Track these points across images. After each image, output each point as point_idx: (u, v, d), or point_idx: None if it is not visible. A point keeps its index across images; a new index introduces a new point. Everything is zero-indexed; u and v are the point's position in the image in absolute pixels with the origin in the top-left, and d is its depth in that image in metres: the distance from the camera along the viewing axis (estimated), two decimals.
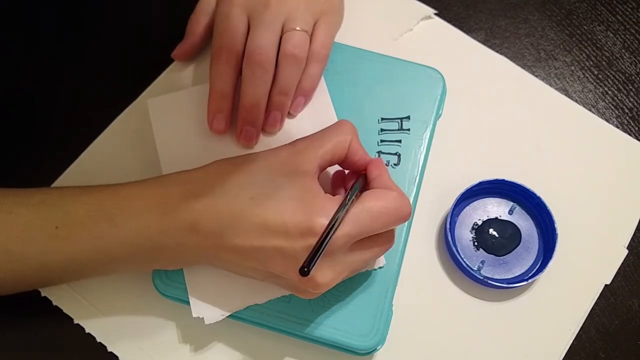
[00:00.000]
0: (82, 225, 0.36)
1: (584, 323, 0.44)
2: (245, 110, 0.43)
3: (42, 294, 0.43)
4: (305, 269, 0.31)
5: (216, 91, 0.44)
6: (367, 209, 0.35)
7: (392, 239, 0.39)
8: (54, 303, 0.43)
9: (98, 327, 0.42)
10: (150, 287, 0.41)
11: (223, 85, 0.43)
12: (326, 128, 0.39)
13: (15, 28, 0.51)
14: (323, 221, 0.34)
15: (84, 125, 0.48)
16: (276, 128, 0.45)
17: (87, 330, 0.42)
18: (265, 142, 0.45)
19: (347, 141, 0.38)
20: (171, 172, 0.39)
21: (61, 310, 0.42)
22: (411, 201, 0.43)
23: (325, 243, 0.33)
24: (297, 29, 0.42)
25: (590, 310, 0.45)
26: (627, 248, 0.46)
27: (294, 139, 0.39)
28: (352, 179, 0.40)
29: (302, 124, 0.46)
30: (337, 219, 0.34)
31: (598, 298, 0.45)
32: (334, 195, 0.38)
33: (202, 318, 0.39)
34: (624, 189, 0.48)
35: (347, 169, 0.41)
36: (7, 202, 0.37)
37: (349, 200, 0.35)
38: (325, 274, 0.35)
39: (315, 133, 0.39)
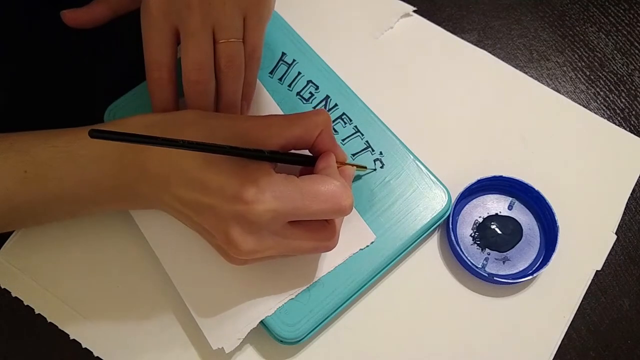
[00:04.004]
0: (49, 168, 0.38)
1: (574, 322, 0.45)
2: None
3: (25, 303, 0.43)
4: (94, 133, 0.29)
5: (158, 109, 0.43)
6: (299, 188, 0.36)
7: (332, 235, 0.39)
8: (60, 327, 0.43)
9: (82, 333, 0.43)
10: (135, 287, 0.42)
11: (163, 103, 0.42)
12: (301, 113, 0.40)
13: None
14: (255, 192, 0.35)
15: None
16: None
17: (71, 337, 0.43)
18: None
19: (317, 130, 0.39)
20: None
21: (68, 335, 0.43)
22: None
23: (130, 138, 0.31)
24: (231, 40, 0.41)
25: (581, 309, 0.45)
26: (616, 233, 0.47)
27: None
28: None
29: None
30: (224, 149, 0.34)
31: (589, 297, 0.46)
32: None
33: (222, 348, 0.40)
34: (611, 176, 0.49)
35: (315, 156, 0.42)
36: None
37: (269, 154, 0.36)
38: (248, 241, 0.36)
39: (289, 114, 0.40)
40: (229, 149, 0.35)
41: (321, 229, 0.38)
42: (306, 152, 0.41)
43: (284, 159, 0.39)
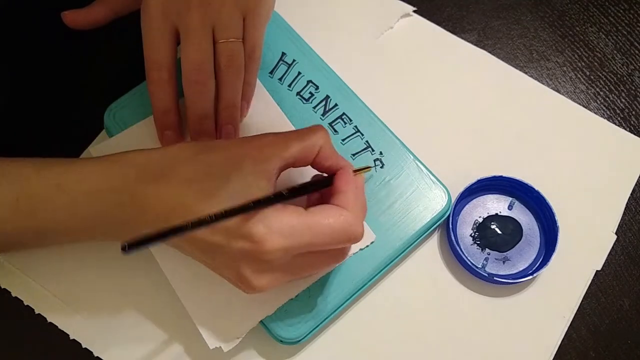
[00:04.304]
0: (42, 199, 0.37)
1: (574, 322, 0.45)
2: (194, 123, 0.43)
3: (25, 303, 0.43)
4: (126, 247, 0.30)
5: (158, 109, 0.43)
6: (310, 226, 0.34)
7: (341, 256, 0.38)
8: (60, 327, 0.43)
9: (82, 333, 0.43)
10: (134, 286, 0.42)
11: (163, 103, 0.42)
12: (298, 130, 0.39)
13: None
14: (263, 231, 0.33)
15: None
16: None
17: (84, 346, 0.42)
18: None
19: (316, 147, 0.38)
20: None
21: (68, 335, 0.43)
22: None
23: (163, 237, 0.32)
24: (231, 39, 0.40)
25: (581, 310, 0.45)
26: (616, 233, 0.47)
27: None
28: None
29: (251, 125, 0.46)
30: (226, 215, 0.33)
31: (589, 297, 0.46)
32: (308, 198, 0.39)
33: (220, 347, 0.40)
34: (611, 176, 0.49)
35: (319, 172, 0.40)
36: None
37: (265, 201, 0.34)
38: (260, 279, 0.35)
39: (285, 132, 0.38)
40: (252, 205, 0.33)
41: (331, 251, 0.37)
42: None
43: (303, 192, 0.37)
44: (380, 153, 0.46)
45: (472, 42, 0.54)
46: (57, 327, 0.43)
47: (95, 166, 0.38)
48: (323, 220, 0.35)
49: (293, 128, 0.46)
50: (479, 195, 0.48)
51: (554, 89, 0.52)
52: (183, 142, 0.39)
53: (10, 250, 0.43)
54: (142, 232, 0.31)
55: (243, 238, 0.34)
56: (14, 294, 0.43)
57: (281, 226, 0.34)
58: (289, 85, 0.48)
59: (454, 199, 0.46)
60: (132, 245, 0.30)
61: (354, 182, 0.38)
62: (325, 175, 0.40)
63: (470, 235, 0.47)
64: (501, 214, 0.47)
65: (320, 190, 0.39)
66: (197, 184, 0.35)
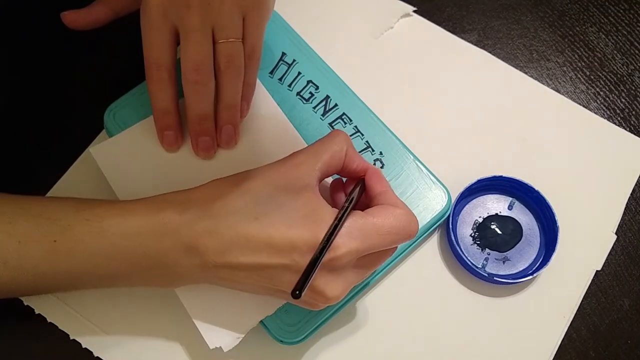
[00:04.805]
0: (80, 242, 0.36)
1: (574, 322, 0.45)
2: (194, 123, 0.43)
3: (36, 312, 0.43)
4: (297, 292, 0.32)
5: (158, 110, 0.43)
6: (377, 227, 0.35)
7: (394, 251, 0.39)
8: (60, 327, 0.43)
9: (82, 333, 0.43)
10: (146, 299, 0.42)
11: (162, 103, 0.42)
12: (321, 139, 0.39)
13: None
14: (334, 240, 0.34)
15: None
16: (232, 142, 0.44)
17: (83, 346, 0.42)
18: (225, 152, 0.45)
19: (343, 151, 0.38)
20: None
21: (56, 326, 0.43)
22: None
23: (316, 266, 0.33)
24: (231, 40, 0.40)
25: (581, 310, 0.45)
26: (616, 233, 0.47)
27: (290, 152, 0.38)
28: (351, 185, 0.40)
29: (251, 126, 0.46)
30: (331, 238, 0.34)
31: (589, 297, 0.46)
32: (333, 203, 0.39)
33: (220, 347, 0.40)
34: (611, 176, 0.49)
35: (345, 177, 0.41)
36: (7, 211, 0.37)
37: (344, 214, 0.35)
38: (335, 288, 0.35)
39: (310, 145, 0.39)
40: (337, 224, 0.34)
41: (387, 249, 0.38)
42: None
43: (350, 205, 0.36)
44: (380, 153, 0.46)
45: (472, 42, 0.54)
46: (57, 327, 0.43)
47: (134, 207, 0.37)
48: (386, 220, 0.36)
49: (293, 128, 0.46)
50: (479, 195, 0.48)
51: (554, 89, 0.52)
52: (218, 179, 0.38)
53: (47, 292, 0.42)
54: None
55: (312, 250, 0.34)
56: None
57: (349, 230, 0.35)
58: (289, 85, 0.48)
59: (454, 199, 0.46)
60: (302, 288, 0.32)
61: (386, 180, 0.39)
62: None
63: (470, 235, 0.47)
64: (501, 214, 0.47)
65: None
66: (248, 213, 0.35)
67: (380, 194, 0.38)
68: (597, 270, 0.46)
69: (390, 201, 0.37)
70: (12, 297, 0.40)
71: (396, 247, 0.38)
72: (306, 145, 0.45)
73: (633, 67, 0.54)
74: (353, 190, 0.38)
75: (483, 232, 0.47)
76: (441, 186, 0.45)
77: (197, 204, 0.36)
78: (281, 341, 0.41)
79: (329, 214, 0.35)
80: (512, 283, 0.45)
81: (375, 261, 0.37)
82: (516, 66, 0.53)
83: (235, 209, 0.35)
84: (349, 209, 0.36)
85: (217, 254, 0.35)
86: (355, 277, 0.37)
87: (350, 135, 0.46)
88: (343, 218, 0.35)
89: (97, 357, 0.42)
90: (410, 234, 0.37)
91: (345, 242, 0.34)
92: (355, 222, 0.35)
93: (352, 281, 0.36)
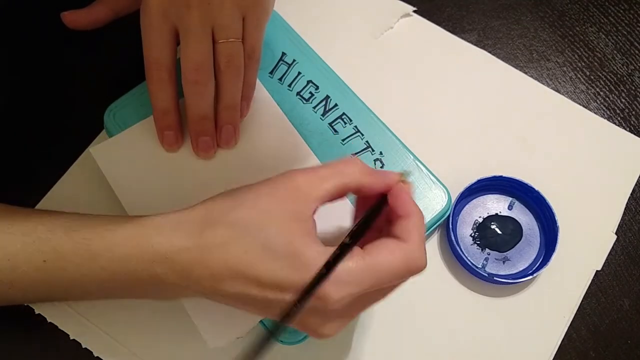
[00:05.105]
0: (70, 262, 0.36)
1: (574, 322, 0.45)
2: (194, 123, 0.42)
3: (36, 311, 0.43)
4: (275, 336, 0.30)
5: (158, 110, 0.43)
6: (374, 270, 0.33)
7: (397, 286, 0.36)
8: (60, 327, 0.43)
9: (82, 333, 0.43)
10: (158, 308, 0.43)
11: (162, 103, 0.42)
12: (333, 163, 0.36)
13: None
14: (325, 289, 0.32)
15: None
16: (232, 142, 0.44)
17: (83, 346, 0.42)
18: (225, 152, 0.45)
19: (353, 183, 0.35)
20: (136, 213, 0.38)
21: (56, 326, 0.43)
22: None
23: (293, 313, 0.31)
24: (231, 39, 0.40)
25: (581, 310, 0.45)
26: (616, 233, 0.47)
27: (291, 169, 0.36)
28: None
29: (251, 126, 0.46)
30: (315, 286, 0.31)
31: (589, 297, 0.46)
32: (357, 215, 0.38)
33: (220, 347, 0.40)
34: (611, 176, 0.49)
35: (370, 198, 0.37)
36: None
37: (337, 256, 0.32)
38: (329, 328, 0.34)
39: (318, 167, 0.36)
40: (325, 272, 0.31)
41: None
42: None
43: (364, 230, 0.34)
44: (380, 153, 0.46)
45: (472, 42, 0.54)
46: (57, 327, 0.43)
47: (124, 232, 0.36)
48: (384, 260, 0.33)
49: (293, 128, 0.46)
50: (479, 195, 0.48)
51: (554, 89, 0.52)
52: (208, 201, 0.36)
53: (39, 302, 0.42)
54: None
55: (300, 291, 0.32)
56: None
57: (343, 275, 0.32)
58: (289, 85, 0.48)
59: (454, 199, 0.46)
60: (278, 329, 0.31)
61: (412, 204, 0.35)
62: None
63: (470, 235, 0.47)
64: (501, 214, 0.47)
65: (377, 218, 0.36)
66: (237, 246, 0.33)
67: (399, 222, 0.34)
68: (597, 270, 0.46)
69: (402, 233, 0.34)
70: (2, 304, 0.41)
71: (400, 284, 0.35)
72: (305, 145, 0.45)
73: (633, 67, 0.54)
74: (362, 222, 0.35)
75: (483, 232, 0.47)
76: (441, 186, 0.45)
77: (186, 230, 0.35)
78: (281, 341, 0.41)
79: (320, 255, 0.32)
80: (512, 283, 0.45)
81: (375, 297, 0.35)
82: (516, 66, 0.53)
83: (225, 240, 0.34)
84: (343, 252, 0.32)
85: (208, 282, 0.34)
86: (353, 315, 0.35)
87: (350, 135, 0.46)
88: (336, 262, 0.32)
89: (98, 357, 0.42)
90: (412, 272, 0.34)
91: (336, 290, 0.32)
92: (350, 266, 0.32)
93: (348, 320, 0.35)
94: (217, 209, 0.35)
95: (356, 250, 0.33)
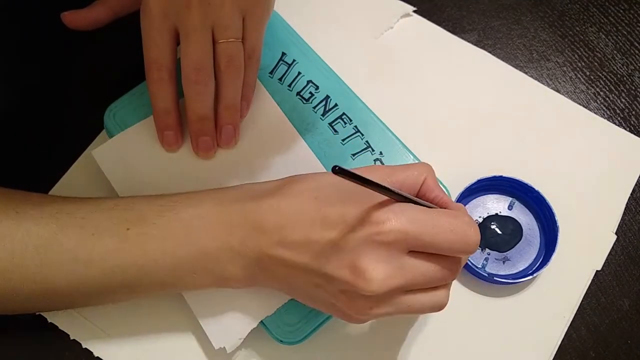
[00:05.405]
0: (154, 225, 0.37)
1: (574, 322, 0.45)
2: (194, 124, 0.43)
3: (49, 320, 0.43)
4: (337, 167, 0.28)
5: (158, 110, 0.43)
6: (431, 216, 0.34)
7: (456, 271, 0.35)
8: (60, 328, 0.43)
9: (82, 333, 0.43)
10: (147, 301, 0.42)
11: (162, 102, 0.42)
12: (402, 165, 0.38)
13: None
14: (386, 214, 0.33)
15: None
16: (232, 142, 0.44)
17: (84, 346, 0.43)
18: (225, 152, 0.45)
19: (421, 177, 0.37)
20: None
21: (68, 335, 0.43)
22: None
23: (372, 183, 0.31)
24: (231, 40, 0.40)
25: (581, 309, 0.45)
26: (616, 233, 0.47)
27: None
28: None
29: (251, 126, 0.46)
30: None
31: (589, 297, 0.46)
32: None
33: (224, 348, 0.40)
34: (611, 176, 0.49)
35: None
36: (81, 210, 0.38)
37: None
38: (378, 269, 0.33)
39: (389, 166, 0.38)
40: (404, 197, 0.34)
41: (447, 258, 0.35)
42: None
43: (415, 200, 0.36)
44: (380, 153, 0.46)
45: (472, 42, 0.54)
46: (57, 327, 0.43)
47: (203, 194, 0.39)
48: (444, 216, 0.34)
49: (293, 128, 0.46)
50: (479, 195, 0.48)
51: (554, 89, 0.52)
52: (289, 177, 0.39)
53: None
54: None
55: (364, 222, 0.33)
56: None
57: (406, 212, 0.34)
58: (289, 85, 0.48)
59: (454, 199, 0.46)
60: (342, 171, 0.29)
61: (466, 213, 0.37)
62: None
63: None
64: (501, 214, 0.47)
65: None
66: (310, 193, 0.36)
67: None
68: (597, 270, 0.46)
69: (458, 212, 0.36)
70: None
71: (458, 267, 0.35)
72: (305, 145, 0.45)
73: (633, 67, 0.54)
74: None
75: (483, 232, 0.47)
76: (441, 186, 0.45)
77: (266, 189, 0.38)
78: (281, 341, 0.41)
79: (400, 204, 0.34)
80: (512, 283, 0.45)
81: (432, 262, 0.34)
82: (516, 66, 0.53)
83: (298, 190, 0.36)
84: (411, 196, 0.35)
85: (275, 230, 0.36)
86: (403, 272, 0.33)
87: (350, 135, 0.46)
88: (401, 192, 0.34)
89: (97, 357, 0.42)
90: (469, 241, 0.34)
91: (399, 219, 0.33)
92: (415, 210, 0.34)
93: (397, 273, 0.33)
94: (293, 177, 0.38)
95: (422, 205, 0.35)
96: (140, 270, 0.37)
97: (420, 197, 0.37)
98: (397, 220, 0.33)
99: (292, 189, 0.37)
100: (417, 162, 0.39)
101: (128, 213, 0.37)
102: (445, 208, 0.37)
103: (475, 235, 0.35)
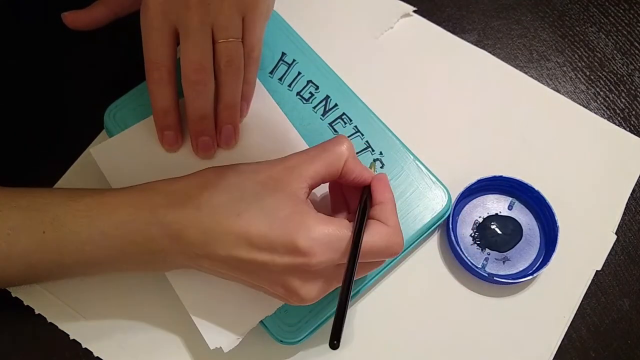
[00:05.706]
0: (69, 231, 0.37)
1: (574, 322, 0.45)
2: (194, 123, 0.43)
3: (25, 304, 0.43)
4: (335, 342, 0.32)
5: (158, 110, 0.43)
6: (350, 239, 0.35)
7: (379, 264, 0.39)
8: (37, 311, 0.43)
9: (82, 333, 0.43)
10: (145, 301, 0.43)
11: (163, 102, 0.42)
12: (321, 144, 0.39)
13: None
14: (307, 242, 0.34)
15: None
16: (232, 142, 0.44)
17: (71, 337, 0.43)
18: (224, 152, 0.45)
19: (342, 160, 0.38)
20: None
21: (69, 335, 0.43)
22: None
23: (346, 306, 0.33)
24: (230, 39, 0.40)
25: (581, 310, 0.45)
26: (616, 233, 0.47)
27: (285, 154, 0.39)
28: (350, 190, 0.41)
29: (251, 125, 0.46)
30: (354, 265, 0.34)
31: (589, 297, 0.46)
32: (332, 208, 0.40)
33: (221, 347, 0.40)
34: (611, 176, 0.49)
35: (344, 184, 0.41)
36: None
37: (360, 227, 0.35)
38: (309, 290, 0.36)
39: (308, 149, 0.39)
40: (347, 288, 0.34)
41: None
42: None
43: (365, 217, 0.37)
44: (380, 153, 0.46)
45: (472, 42, 0.54)
46: (57, 327, 0.43)
47: (123, 197, 0.38)
48: (369, 238, 0.36)
49: (293, 128, 0.46)
50: (479, 195, 0.48)
51: (554, 89, 0.52)
52: (207, 169, 0.39)
53: (36, 282, 0.43)
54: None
55: (291, 252, 0.34)
56: (14, 295, 0.43)
57: (327, 239, 0.35)
58: (289, 85, 0.48)
59: (454, 199, 0.46)
60: (338, 340, 0.32)
61: (390, 192, 0.39)
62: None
63: (470, 235, 0.47)
64: (501, 214, 0.47)
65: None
66: (231, 208, 0.36)
67: (377, 206, 0.38)
68: (597, 270, 0.46)
69: (383, 216, 0.37)
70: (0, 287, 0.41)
71: (381, 263, 0.39)
72: (306, 145, 0.45)
73: (633, 67, 0.54)
74: (362, 197, 0.38)
75: (483, 232, 0.47)
76: (441, 186, 0.45)
77: (183, 194, 0.37)
78: (281, 341, 0.41)
79: (315, 222, 0.35)
80: (512, 283, 0.45)
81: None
82: (516, 66, 0.53)
83: (220, 202, 0.36)
84: (364, 221, 0.36)
85: (198, 245, 0.36)
86: (333, 284, 0.37)
87: (350, 135, 0.46)
88: (362, 228, 0.35)
89: (97, 357, 0.42)
90: (392, 252, 0.37)
91: (320, 251, 0.34)
92: (338, 233, 0.35)
93: (328, 286, 0.37)
94: (213, 176, 0.38)
95: (343, 221, 0.36)
96: (62, 265, 0.38)
97: (342, 181, 0.39)
98: (319, 252, 0.34)
99: (214, 199, 0.36)
100: (335, 136, 0.39)
101: (43, 216, 0.37)
102: (366, 185, 0.39)
103: (397, 244, 0.37)
